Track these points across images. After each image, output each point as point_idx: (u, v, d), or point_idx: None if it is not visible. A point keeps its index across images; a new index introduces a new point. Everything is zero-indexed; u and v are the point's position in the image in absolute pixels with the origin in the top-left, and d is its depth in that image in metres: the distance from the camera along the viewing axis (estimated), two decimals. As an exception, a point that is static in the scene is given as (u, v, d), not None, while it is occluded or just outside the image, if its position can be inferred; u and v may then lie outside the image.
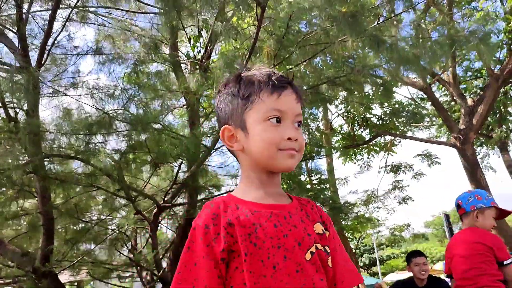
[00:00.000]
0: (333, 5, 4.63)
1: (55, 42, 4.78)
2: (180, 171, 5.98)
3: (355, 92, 8.07)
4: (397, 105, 11.06)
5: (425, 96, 9.70)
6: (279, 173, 1.05)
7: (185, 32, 5.35)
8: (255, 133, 0.99)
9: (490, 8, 9.83)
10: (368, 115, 11.21)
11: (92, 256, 5.60)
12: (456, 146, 8.69)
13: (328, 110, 12.07)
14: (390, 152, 12.57)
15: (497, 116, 10.47)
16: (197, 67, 5.67)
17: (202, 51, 5.70)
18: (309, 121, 11.69)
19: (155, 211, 4.52)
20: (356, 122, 11.44)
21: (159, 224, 6.90)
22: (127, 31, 6.05)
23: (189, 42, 5.27)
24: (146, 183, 5.06)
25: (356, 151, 12.07)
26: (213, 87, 5.78)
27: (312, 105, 6.60)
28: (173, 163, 4.63)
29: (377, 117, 11.20)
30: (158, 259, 4.64)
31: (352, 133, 11.48)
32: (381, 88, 10.02)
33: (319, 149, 10.33)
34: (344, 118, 11.65)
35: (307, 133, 11.13)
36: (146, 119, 4.32)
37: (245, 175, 1.04)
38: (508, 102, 10.18)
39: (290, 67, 6.28)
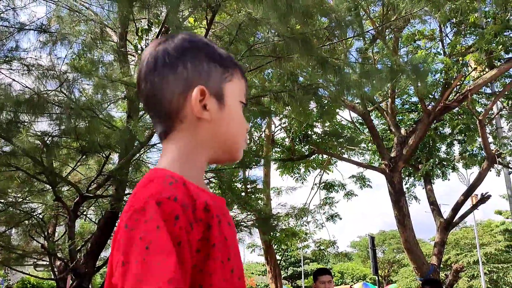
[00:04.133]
0: (286, 22, 4.78)
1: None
2: (110, 163, 5.87)
3: (300, 109, 8.34)
4: (337, 126, 11.48)
5: (363, 121, 10.15)
6: None
7: (135, 24, 5.29)
8: (233, 111, 0.85)
9: (432, 49, 10.51)
10: (309, 132, 11.54)
11: (5, 241, 5.35)
12: (385, 172, 9.15)
13: (272, 123, 12.29)
14: (326, 170, 13.01)
15: (426, 150, 11.15)
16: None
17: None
18: (253, 130, 11.86)
19: (76, 199, 4.41)
20: (297, 137, 11.72)
21: (85, 215, 6.71)
22: (77, 12, 5.90)
23: (137, 34, 5.21)
24: (72, 169, 4.92)
25: (294, 165, 12.36)
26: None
27: (254, 116, 6.72)
28: (102, 154, 4.53)
29: (317, 135, 11.54)
30: (73, 249, 4.52)
31: (292, 147, 11.75)
32: (325, 108, 10.40)
33: (259, 159, 10.49)
34: (287, 132, 11.90)
35: (248, 141, 11.28)
36: (81, 105, 4.23)
37: (185, 153, 0.82)
38: (437, 138, 10.87)
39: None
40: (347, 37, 6.97)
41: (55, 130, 4.45)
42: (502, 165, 9.78)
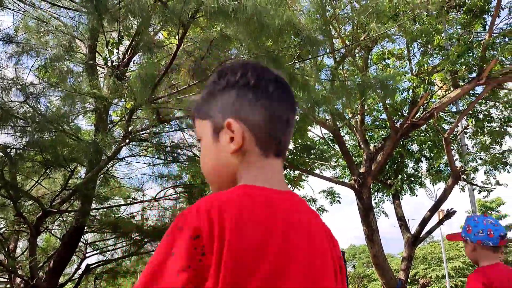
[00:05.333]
0: (257, 40, 4.83)
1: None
2: (77, 177, 5.74)
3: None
4: (309, 142, 11.60)
5: (333, 137, 10.30)
6: None
7: (105, 36, 5.24)
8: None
9: (400, 68, 10.82)
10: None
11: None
12: (355, 188, 9.27)
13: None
14: (297, 185, 13.07)
15: (395, 166, 11.38)
16: (113, 73, 5.56)
17: (121, 58, 5.61)
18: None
19: (39, 215, 4.27)
20: (269, 152, 11.75)
21: (49, 231, 6.50)
22: (45, 23, 5.80)
23: (107, 47, 5.16)
24: (35, 183, 4.77)
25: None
26: (126, 96, 5.69)
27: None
28: (67, 167, 4.42)
29: (289, 151, 11.63)
30: (35, 266, 4.36)
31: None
32: (296, 125, 10.50)
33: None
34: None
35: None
36: (47, 117, 4.13)
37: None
38: (405, 155, 11.12)
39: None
40: (318, 55, 7.12)
41: (19, 143, 4.32)
42: (466, 182, 10.07)
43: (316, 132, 11.87)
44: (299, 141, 11.32)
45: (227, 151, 0.84)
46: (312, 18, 7.89)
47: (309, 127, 11.39)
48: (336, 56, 9.03)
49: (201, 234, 0.69)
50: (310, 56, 6.77)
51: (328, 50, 8.33)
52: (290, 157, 11.43)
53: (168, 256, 0.68)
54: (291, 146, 11.66)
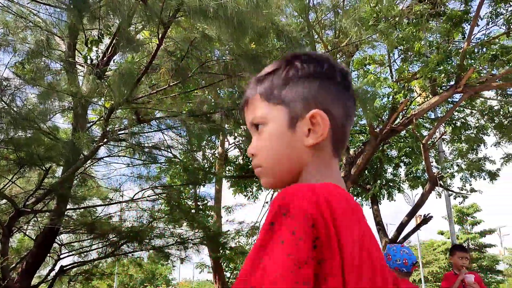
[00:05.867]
0: (238, 40, 4.81)
1: None
2: (53, 176, 5.63)
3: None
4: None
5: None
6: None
7: (84, 34, 5.16)
8: None
9: (381, 74, 10.96)
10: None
11: None
12: (334, 192, 9.32)
13: (226, 140, 12.28)
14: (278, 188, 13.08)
15: (374, 171, 11.50)
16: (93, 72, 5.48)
17: (101, 56, 5.54)
18: (206, 147, 11.79)
19: (12, 214, 4.17)
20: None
21: (23, 231, 6.35)
22: (23, 18, 5.68)
23: (86, 45, 5.08)
24: (9, 182, 4.66)
25: (247, 183, 12.36)
26: (106, 96, 5.61)
27: (205, 133, 6.69)
28: (42, 166, 4.33)
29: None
30: (6, 266, 4.24)
31: (245, 166, 11.76)
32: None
33: (211, 176, 10.41)
34: (240, 150, 11.92)
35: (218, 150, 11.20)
36: (22, 114, 4.04)
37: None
38: (384, 160, 11.25)
39: (191, 89, 6.35)
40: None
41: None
42: (443, 188, 10.24)
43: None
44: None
45: (303, 143, 0.79)
46: (295, 22, 7.94)
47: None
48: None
49: (316, 223, 0.65)
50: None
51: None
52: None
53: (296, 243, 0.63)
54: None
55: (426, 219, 10.08)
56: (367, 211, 11.45)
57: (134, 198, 6.42)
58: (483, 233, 26.56)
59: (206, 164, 11.09)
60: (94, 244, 6.52)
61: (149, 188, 6.56)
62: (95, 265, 7.19)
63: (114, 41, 5.21)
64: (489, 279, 24.88)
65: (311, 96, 0.81)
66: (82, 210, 5.94)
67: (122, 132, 5.74)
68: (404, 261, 2.91)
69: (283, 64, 0.85)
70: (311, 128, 0.79)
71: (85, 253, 6.60)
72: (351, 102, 0.85)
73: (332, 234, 0.65)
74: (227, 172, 12.27)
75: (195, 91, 6.91)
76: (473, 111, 11.41)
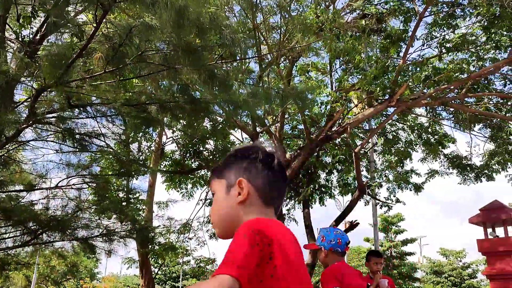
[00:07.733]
0: (178, 32, 4.73)
1: None
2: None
3: (190, 121, 8.29)
4: (229, 145, 11.64)
5: (252, 142, 10.43)
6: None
7: (17, 8, 4.85)
8: None
9: (323, 82, 11.27)
10: (201, 148, 11.53)
11: None
12: (268, 193, 9.44)
13: (164, 134, 12.07)
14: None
15: (308, 175, 11.80)
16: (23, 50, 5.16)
17: (34, 34, 5.24)
18: (142, 139, 11.51)
19: None
20: (188, 151, 11.63)
21: None
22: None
23: (18, 21, 4.78)
24: None
25: (182, 180, 12.21)
26: (36, 76, 5.31)
27: (139, 124, 6.51)
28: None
29: (208, 151, 11.58)
30: None
31: (182, 161, 11.61)
32: (218, 126, 10.50)
33: (145, 169, 10.17)
34: (177, 144, 11.76)
35: (140, 152, 10.90)
36: None
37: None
38: (318, 165, 11.58)
39: (129, 77, 6.16)
40: (243, 57, 7.18)
41: None
42: (370, 196, 10.71)
43: (237, 135, 11.95)
44: (220, 142, 11.34)
45: (236, 202, 1.18)
46: (242, 21, 7.97)
47: (231, 130, 11.45)
48: (262, 63, 9.19)
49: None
50: (238, 58, 6.82)
51: (255, 54, 8.46)
52: (209, 157, 11.41)
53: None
54: (210, 146, 11.63)
55: (352, 225, 10.48)
56: (300, 214, 11.71)
57: (59, 186, 6.13)
58: (405, 242, 28.06)
59: (141, 157, 10.81)
60: (10, 232, 6.15)
61: (76, 176, 6.29)
62: (11, 254, 6.78)
63: (49, 19, 4.93)
64: (407, 286, 26.30)
65: (240, 170, 1.21)
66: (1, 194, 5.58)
67: (52, 116, 5.46)
68: (338, 241, 3.02)
69: (227, 155, 1.28)
70: (240, 192, 1.18)
71: None
72: (273, 172, 1.22)
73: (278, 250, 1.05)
74: (161, 166, 12.04)
75: (135, 81, 6.73)
76: (404, 126, 12.03)
